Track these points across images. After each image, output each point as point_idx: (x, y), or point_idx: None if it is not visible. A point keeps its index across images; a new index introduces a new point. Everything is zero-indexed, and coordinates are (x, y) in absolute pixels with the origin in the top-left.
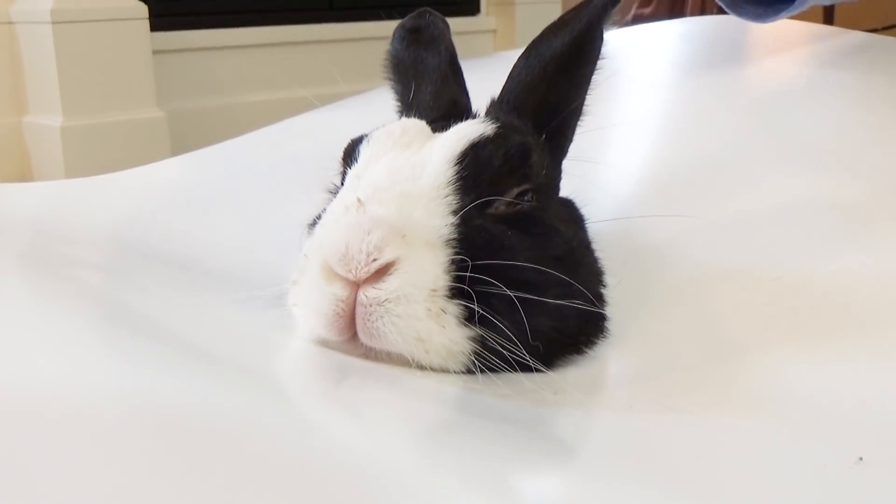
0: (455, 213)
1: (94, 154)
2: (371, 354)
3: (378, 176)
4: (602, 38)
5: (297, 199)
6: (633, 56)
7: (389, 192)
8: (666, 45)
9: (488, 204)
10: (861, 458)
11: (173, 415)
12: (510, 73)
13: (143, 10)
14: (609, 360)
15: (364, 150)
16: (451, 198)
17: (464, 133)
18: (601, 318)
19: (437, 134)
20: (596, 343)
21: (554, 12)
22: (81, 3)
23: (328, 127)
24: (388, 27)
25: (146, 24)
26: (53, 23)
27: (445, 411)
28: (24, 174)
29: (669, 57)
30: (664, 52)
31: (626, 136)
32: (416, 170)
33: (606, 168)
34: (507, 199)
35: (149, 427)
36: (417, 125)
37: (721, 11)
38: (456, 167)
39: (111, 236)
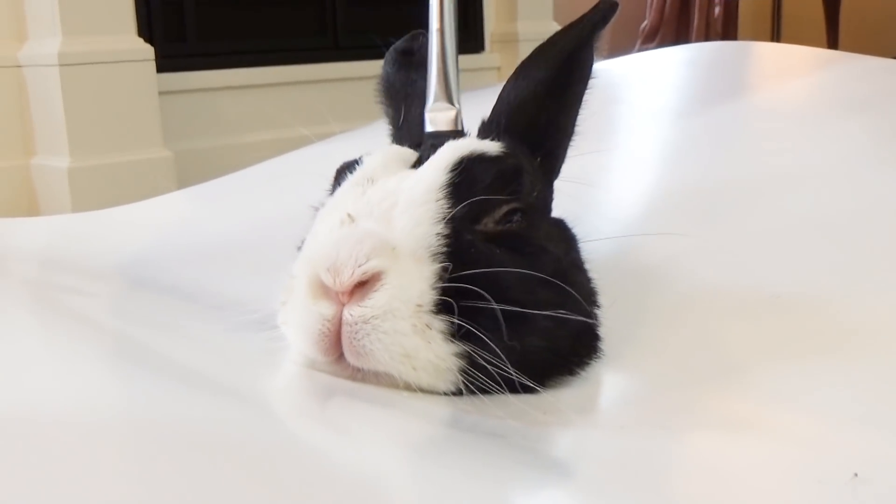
0: (445, 226)
1: (101, 195)
2: (358, 376)
3: (369, 194)
4: (592, 58)
5: (296, 230)
6: (636, 82)
7: (380, 208)
8: (669, 71)
9: (477, 220)
10: (856, 475)
11: (167, 433)
12: (500, 94)
13: (150, 51)
14: (602, 380)
15: (356, 171)
16: (439, 207)
17: (453, 150)
18: (594, 339)
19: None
20: (589, 364)
21: None
22: (88, 45)
23: (328, 159)
24: None
25: (153, 65)
26: (61, 65)
27: (435, 429)
28: (31, 216)
29: (672, 83)
30: (667, 77)
31: (625, 158)
32: (406, 186)
33: (605, 190)
34: (500, 213)
35: (142, 441)
36: (409, 152)
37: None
38: (446, 178)
39: (115, 267)
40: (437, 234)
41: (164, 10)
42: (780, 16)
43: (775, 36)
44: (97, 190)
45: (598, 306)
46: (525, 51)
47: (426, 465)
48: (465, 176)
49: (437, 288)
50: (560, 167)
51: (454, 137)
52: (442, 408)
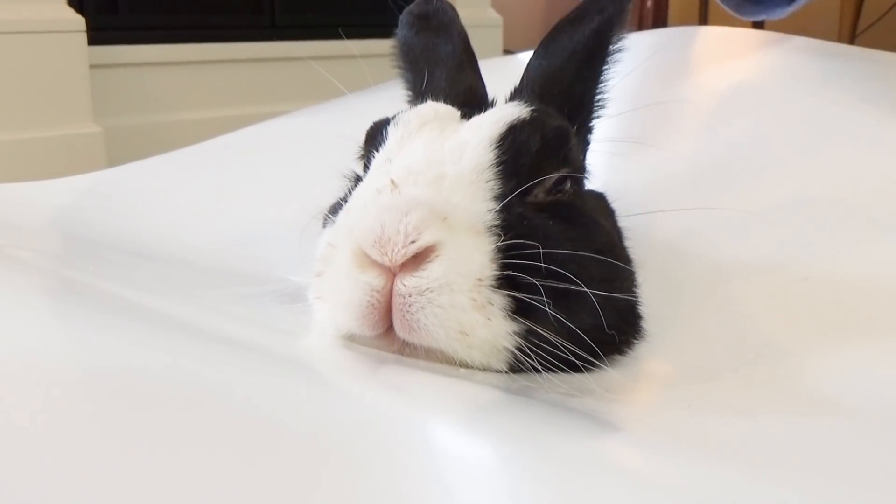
0: (497, 198)
1: (27, 170)
2: (406, 350)
3: (412, 158)
4: (618, 34)
5: (257, 204)
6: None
7: (426, 175)
8: (642, 56)
9: (528, 191)
10: None
11: (209, 391)
12: (530, 63)
13: (81, 22)
14: (651, 361)
15: (392, 133)
16: (492, 183)
17: (500, 116)
18: (637, 317)
19: (464, 120)
20: (635, 343)
21: (495, 35)
22: (15, 13)
23: (291, 134)
24: (332, 47)
25: (83, 37)
26: None
27: (497, 393)
28: None
29: (646, 67)
30: (642, 62)
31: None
32: (453, 153)
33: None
34: (549, 182)
35: (186, 402)
36: (448, 109)
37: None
38: (495, 151)
39: (70, 234)
40: (491, 205)
41: None
42: (707, 7)
43: (703, 24)
44: (22, 164)
45: (637, 284)
46: None
47: (491, 424)
48: (514, 143)
49: (496, 262)
50: (590, 142)
51: None
52: (500, 376)
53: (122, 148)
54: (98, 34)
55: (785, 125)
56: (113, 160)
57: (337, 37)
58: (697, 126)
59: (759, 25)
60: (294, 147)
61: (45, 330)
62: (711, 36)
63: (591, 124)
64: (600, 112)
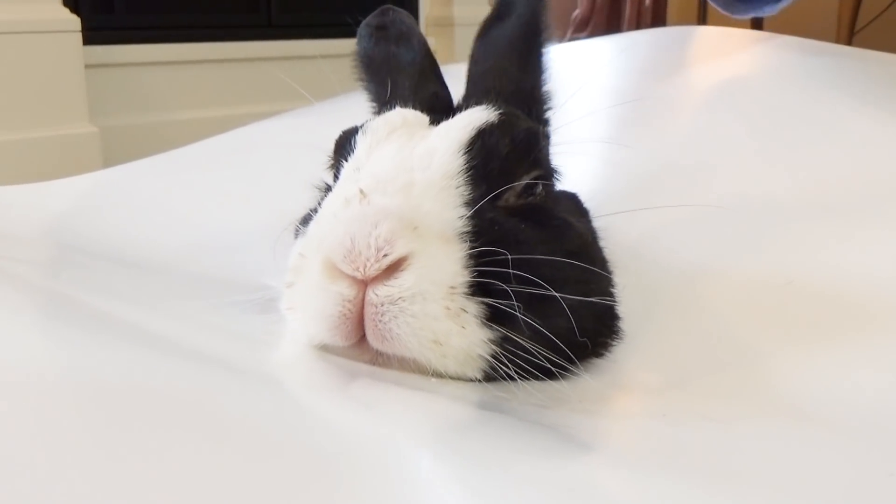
0: (468, 205)
1: (23, 170)
2: (379, 360)
3: (381, 166)
4: (546, 20)
5: (243, 207)
6: (589, 67)
7: (395, 183)
8: (637, 54)
9: (498, 195)
10: None
11: (176, 403)
12: (472, 61)
13: (76, 22)
14: (628, 367)
15: (361, 141)
16: (462, 189)
17: (469, 121)
18: (615, 318)
19: (433, 126)
20: (612, 345)
21: None
22: (11, 14)
23: (289, 134)
24: (328, 46)
25: (79, 37)
26: None
27: (466, 409)
28: None
29: (629, 66)
30: (638, 61)
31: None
32: (422, 159)
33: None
34: (520, 187)
35: (155, 415)
36: (416, 115)
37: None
38: (464, 156)
39: (56, 241)
40: (462, 212)
41: None
42: (706, 7)
43: (702, 23)
44: (19, 165)
45: (614, 285)
46: (461, 35)
47: (459, 441)
48: (483, 147)
49: (469, 269)
50: (550, 136)
51: None
52: (473, 389)
53: (117, 148)
54: (93, 34)
55: (776, 126)
56: (109, 160)
57: (335, 35)
58: (687, 125)
59: (757, 25)
60: (291, 147)
61: (21, 343)
62: (709, 35)
63: (545, 116)
64: (548, 109)
